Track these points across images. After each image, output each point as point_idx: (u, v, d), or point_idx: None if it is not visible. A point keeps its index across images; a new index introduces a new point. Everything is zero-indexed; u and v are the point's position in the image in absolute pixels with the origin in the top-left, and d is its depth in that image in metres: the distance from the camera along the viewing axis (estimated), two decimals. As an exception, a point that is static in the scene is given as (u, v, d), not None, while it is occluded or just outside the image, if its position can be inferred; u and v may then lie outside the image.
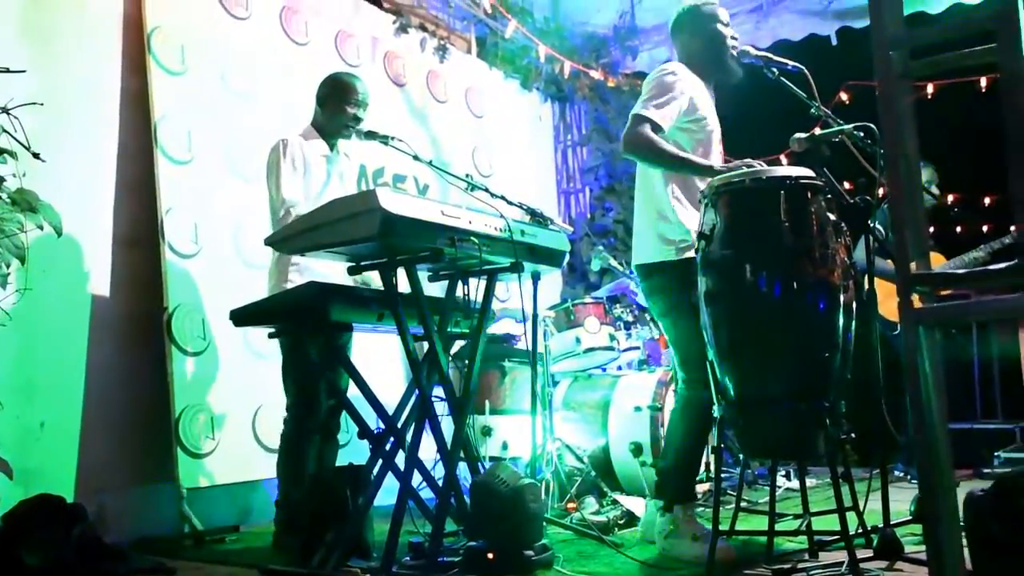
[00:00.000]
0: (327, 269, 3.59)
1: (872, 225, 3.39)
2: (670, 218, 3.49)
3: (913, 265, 1.79)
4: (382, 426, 3.37)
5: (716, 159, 3.57)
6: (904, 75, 1.71)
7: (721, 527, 3.06)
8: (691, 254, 3.32)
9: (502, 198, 3.57)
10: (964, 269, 5.34)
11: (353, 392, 3.47)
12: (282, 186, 3.74)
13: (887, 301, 4.23)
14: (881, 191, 3.41)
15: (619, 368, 5.52)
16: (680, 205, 3.48)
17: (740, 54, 3.59)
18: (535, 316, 3.92)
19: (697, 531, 3.32)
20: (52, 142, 3.68)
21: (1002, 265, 1.67)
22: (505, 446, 4.80)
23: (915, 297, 1.75)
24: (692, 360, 3.41)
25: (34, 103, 3.25)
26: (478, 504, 3.23)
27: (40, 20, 4.04)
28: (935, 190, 5.40)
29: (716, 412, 3.09)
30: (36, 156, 3.17)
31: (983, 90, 6.16)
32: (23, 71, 3.39)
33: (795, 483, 4.45)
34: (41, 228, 3.34)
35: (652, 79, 3.53)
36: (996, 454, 5.48)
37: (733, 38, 3.63)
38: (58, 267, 3.95)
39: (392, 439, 3.34)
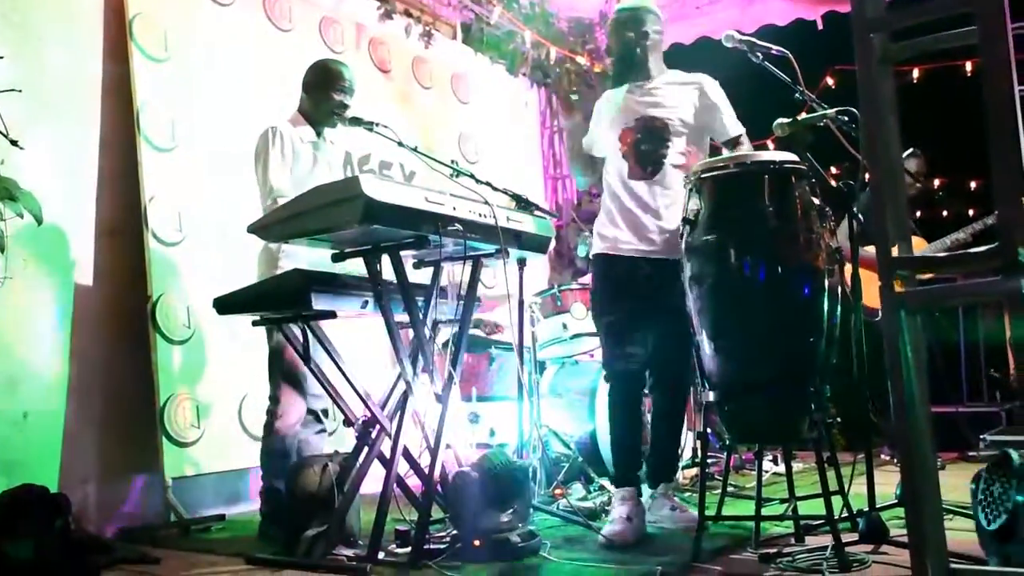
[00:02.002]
0: (318, 256, 3.56)
1: (855, 210, 3.40)
2: (602, 218, 3.76)
3: (895, 249, 1.79)
4: (368, 414, 3.36)
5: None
6: (885, 58, 1.70)
7: (708, 512, 3.07)
8: (599, 250, 3.69)
9: (487, 184, 3.55)
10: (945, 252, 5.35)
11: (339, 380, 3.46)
12: (270, 175, 3.71)
13: (870, 287, 4.23)
14: (867, 176, 3.42)
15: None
16: (605, 208, 3.77)
17: (725, 38, 3.58)
18: (521, 302, 3.92)
19: (624, 513, 3.41)
20: (32, 129, 3.66)
21: (982, 248, 1.67)
22: (492, 433, 4.80)
23: (896, 281, 1.74)
24: (604, 349, 3.68)
25: (12, 90, 3.22)
26: (464, 491, 3.22)
27: (19, 5, 3.99)
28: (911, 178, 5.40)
29: (701, 398, 3.10)
30: (14, 143, 3.15)
31: (968, 74, 6.16)
32: (1, 57, 3.36)
33: (782, 468, 4.47)
34: (21, 216, 3.31)
35: None
36: (982, 437, 5.50)
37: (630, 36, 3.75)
38: (39, 256, 3.92)
39: (378, 427, 3.33)
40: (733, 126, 3.69)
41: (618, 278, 3.61)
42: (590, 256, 3.81)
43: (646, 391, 3.75)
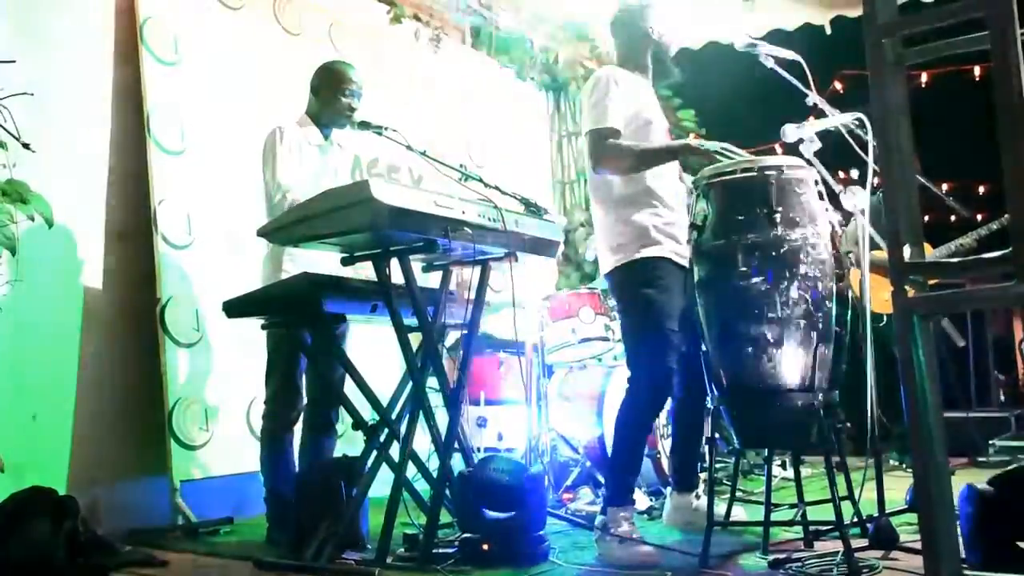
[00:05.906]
0: (322, 258, 3.56)
1: (864, 214, 3.39)
2: (621, 222, 3.49)
3: (907, 255, 1.78)
4: (377, 417, 3.36)
5: None
6: (897, 63, 1.70)
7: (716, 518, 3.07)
8: (644, 254, 3.39)
9: (496, 188, 3.55)
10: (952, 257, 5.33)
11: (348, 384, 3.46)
12: (278, 171, 3.68)
13: (877, 293, 4.21)
14: (877, 180, 3.41)
15: (614, 358, 5.51)
16: (630, 208, 3.48)
17: (736, 41, 3.58)
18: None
19: (625, 535, 3.23)
20: (43, 133, 3.65)
21: (995, 254, 1.67)
22: (500, 437, 4.79)
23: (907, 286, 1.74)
24: (636, 359, 3.45)
25: (24, 93, 3.23)
26: (473, 495, 3.22)
27: (31, 10, 4.00)
28: None
29: (709, 403, 3.10)
30: (26, 147, 3.16)
31: (977, 78, 6.16)
32: (12, 61, 3.37)
33: (790, 472, 4.46)
34: (32, 219, 3.33)
35: (587, 91, 3.57)
36: (991, 442, 5.48)
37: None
38: (49, 258, 3.92)
39: (386, 430, 3.33)
40: None
41: (679, 287, 3.42)
42: (640, 256, 3.43)
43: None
